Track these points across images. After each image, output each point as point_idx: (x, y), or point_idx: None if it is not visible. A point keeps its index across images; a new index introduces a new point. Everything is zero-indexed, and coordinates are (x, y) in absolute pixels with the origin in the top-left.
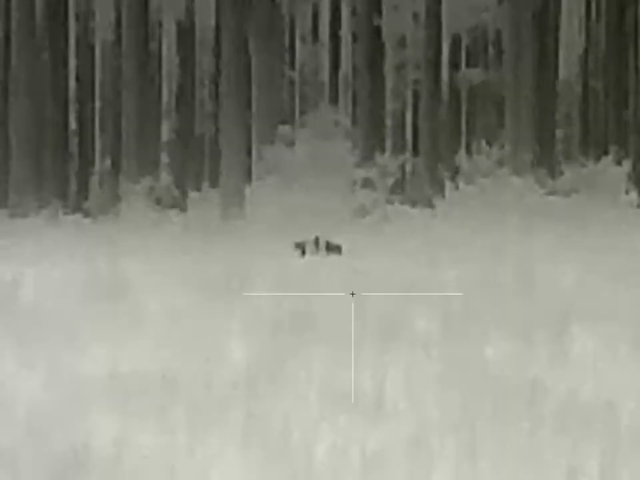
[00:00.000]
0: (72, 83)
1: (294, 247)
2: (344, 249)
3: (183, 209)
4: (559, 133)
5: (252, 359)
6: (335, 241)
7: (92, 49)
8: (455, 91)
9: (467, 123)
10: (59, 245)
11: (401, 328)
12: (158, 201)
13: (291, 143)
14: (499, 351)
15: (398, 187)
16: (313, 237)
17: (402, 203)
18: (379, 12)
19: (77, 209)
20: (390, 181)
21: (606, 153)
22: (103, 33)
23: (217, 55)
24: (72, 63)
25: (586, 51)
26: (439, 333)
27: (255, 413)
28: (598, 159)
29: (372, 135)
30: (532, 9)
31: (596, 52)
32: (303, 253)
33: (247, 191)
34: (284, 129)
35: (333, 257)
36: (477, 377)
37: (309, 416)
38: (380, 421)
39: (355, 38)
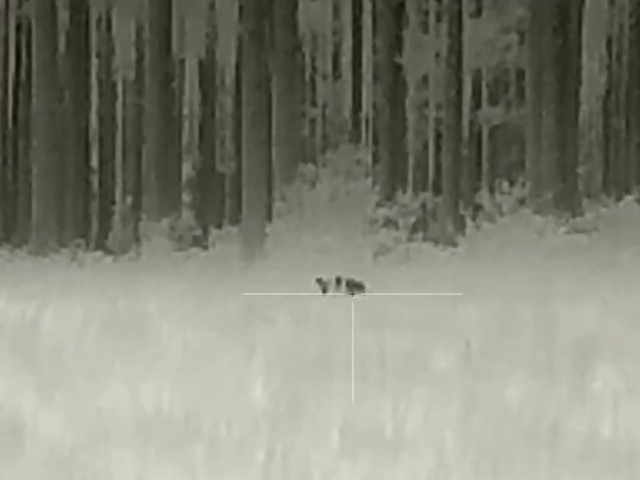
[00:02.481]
0: (93, 122)
1: (315, 283)
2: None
3: (204, 247)
4: (580, 171)
5: (272, 397)
6: (356, 279)
7: (113, 87)
8: (476, 130)
9: (489, 161)
10: (79, 283)
11: (421, 366)
12: (179, 239)
13: (312, 182)
14: (519, 391)
15: (419, 226)
16: (334, 277)
17: (423, 241)
18: (400, 51)
19: (98, 247)
20: (411, 220)
21: (628, 192)
22: (124, 72)
23: (238, 93)
24: (93, 101)
25: (607, 89)
26: (459, 371)
27: (275, 452)
28: (619, 198)
29: (393, 174)
30: (553, 47)
31: (617, 91)
32: (324, 291)
33: (268, 229)
34: (305, 168)
35: (353, 295)
36: (497, 417)
37: (329, 455)
38: (400, 460)
39: (376, 76)
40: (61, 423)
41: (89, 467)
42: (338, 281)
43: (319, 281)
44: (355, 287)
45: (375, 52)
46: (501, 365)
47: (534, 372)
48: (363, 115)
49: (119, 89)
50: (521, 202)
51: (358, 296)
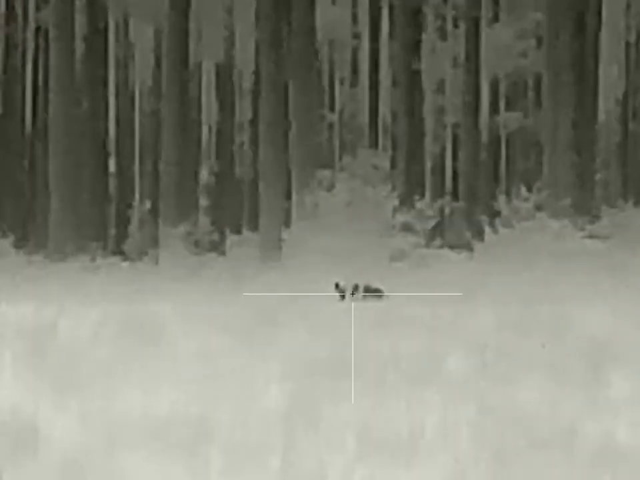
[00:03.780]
0: (111, 127)
1: (334, 287)
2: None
3: (222, 253)
4: (597, 177)
5: (288, 402)
6: (374, 285)
7: (131, 92)
8: (494, 135)
9: (506, 167)
10: (96, 288)
11: (437, 370)
12: (196, 245)
13: (329, 187)
14: (534, 395)
15: (437, 231)
16: (353, 283)
17: (441, 246)
18: (418, 56)
19: (115, 251)
20: (429, 225)
21: None
22: (142, 77)
23: (256, 98)
24: (111, 106)
25: (625, 94)
26: (475, 375)
27: (290, 456)
28: (637, 203)
29: (411, 179)
30: (571, 53)
31: (635, 95)
32: (342, 296)
33: (285, 234)
34: (323, 173)
35: (370, 300)
36: (512, 421)
37: (344, 459)
38: (415, 464)
39: (394, 82)
40: (75, 426)
41: (103, 471)
42: (356, 287)
43: (337, 286)
44: (373, 292)
45: (392, 57)
46: (516, 368)
47: (549, 376)
48: (380, 120)
49: (137, 94)
50: (538, 207)
51: (374, 300)
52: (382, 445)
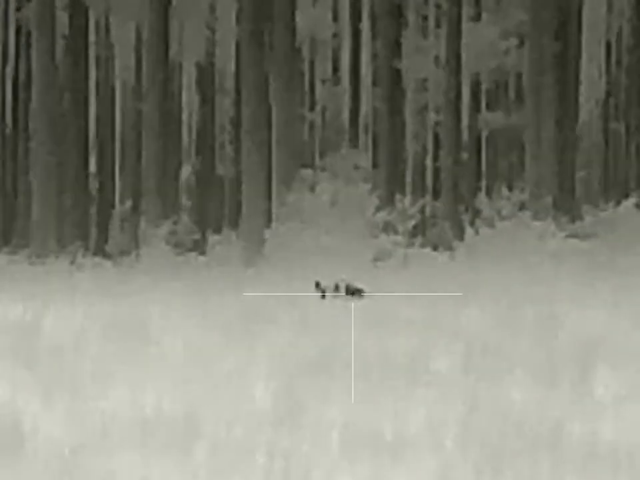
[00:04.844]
0: (92, 125)
1: (314, 286)
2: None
3: (203, 252)
4: (579, 176)
5: (273, 398)
6: (356, 284)
7: (112, 91)
8: (475, 134)
9: (487, 166)
10: (79, 286)
11: (422, 370)
12: (178, 244)
13: (311, 186)
14: (521, 393)
15: (418, 230)
16: (333, 283)
17: (422, 246)
18: (399, 55)
19: (97, 251)
20: (410, 224)
21: (627, 196)
22: (123, 75)
23: (237, 97)
24: (92, 104)
25: (607, 93)
26: (460, 373)
27: (276, 453)
28: (619, 202)
29: (392, 178)
30: (552, 51)
31: (617, 95)
32: (323, 296)
33: (267, 233)
34: (305, 172)
35: (351, 300)
36: (499, 418)
37: (330, 456)
38: (401, 461)
39: (375, 81)
40: (61, 425)
41: (90, 469)
42: (337, 286)
43: (317, 285)
44: (354, 292)
45: (374, 56)
46: (501, 367)
47: (535, 374)
48: (361, 119)
49: (118, 92)
50: (520, 207)
51: (356, 299)
52: (368, 444)
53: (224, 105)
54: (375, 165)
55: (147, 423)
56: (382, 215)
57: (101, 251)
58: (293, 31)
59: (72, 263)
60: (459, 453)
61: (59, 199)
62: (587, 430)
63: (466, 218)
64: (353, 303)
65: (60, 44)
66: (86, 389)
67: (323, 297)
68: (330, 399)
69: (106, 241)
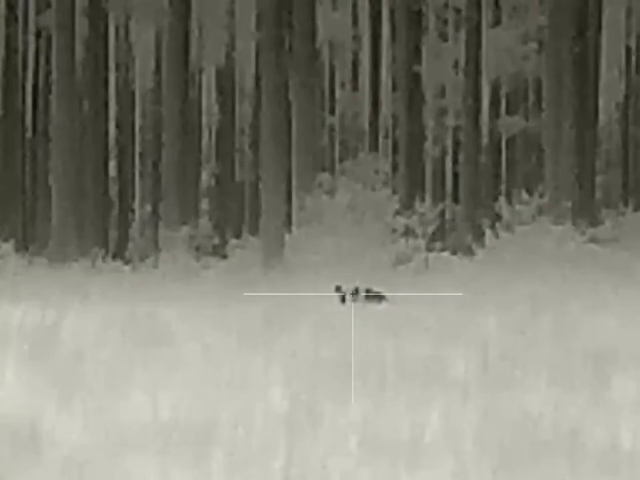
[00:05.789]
0: (112, 130)
1: (335, 290)
2: (385, 295)
3: (223, 256)
4: (598, 180)
5: (291, 404)
6: (376, 288)
7: (132, 95)
8: (494, 139)
9: (507, 170)
10: (98, 290)
11: (440, 373)
12: (197, 248)
13: (330, 191)
14: (538, 399)
15: (438, 235)
16: (353, 287)
17: (442, 250)
18: (419, 59)
19: (117, 255)
20: (430, 229)
21: None
22: (142, 80)
23: (257, 101)
24: (112, 110)
25: (626, 98)
26: (478, 379)
27: (293, 459)
28: (637, 207)
29: (412, 183)
30: (571, 56)
31: (636, 100)
32: (343, 300)
33: (287, 237)
34: (324, 176)
35: (373, 304)
36: (516, 425)
37: (347, 462)
38: (418, 467)
39: (394, 85)
40: (79, 429)
41: (107, 475)
42: (356, 290)
43: (337, 289)
44: (374, 296)
45: (393, 61)
46: (519, 372)
47: (553, 380)
48: (381, 123)
49: (138, 97)
50: (539, 211)
51: (376, 304)
52: (384, 448)
53: (243, 108)
54: (394, 169)
55: (165, 428)
56: (401, 219)
57: (120, 255)
58: (312, 35)
59: (92, 266)
60: (476, 459)
61: (78, 203)
62: (604, 435)
63: (486, 222)
64: (372, 307)
65: (79, 48)
66: (104, 394)
67: (343, 300)
68: (347, 403)
69: (125, 245)
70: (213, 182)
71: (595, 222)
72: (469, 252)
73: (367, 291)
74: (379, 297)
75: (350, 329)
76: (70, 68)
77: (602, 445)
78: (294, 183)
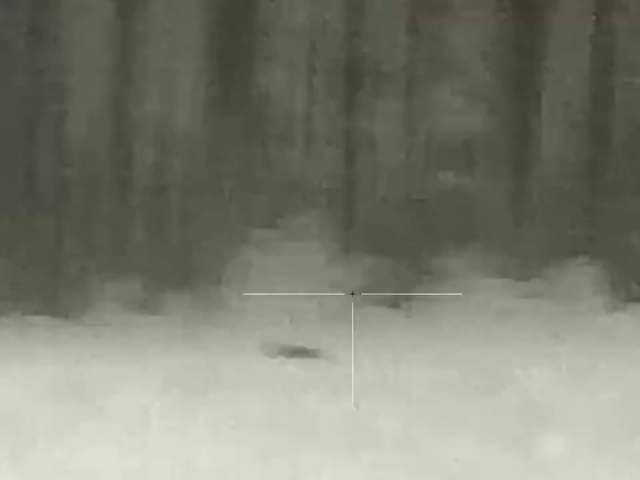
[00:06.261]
0: None
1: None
2: (318, 352)
3: (154, 312)
4: (529, 234)
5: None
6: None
7: None
8: (425, 195)
9: (435, 226)
10: (25, 347)
11: (362, 434)
12: (129, 304)
13: (266, 246)
14: (465, 457)
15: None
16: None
17: (375, 304)
18: (354, 115)
19: (46, 311)
20: (358, 281)
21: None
22: None
23: (192, 158)
24: None
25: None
26: (404, 438)
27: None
28: (563, 261)
29: (345, 238)
30: (511, 113)
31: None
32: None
33: (223, 292)
34: (259, 232)
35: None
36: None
37: None
38: None
39: (329, 140)
40: None
41: None
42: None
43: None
44: (305, 353)
45: (327, 114)
46: (449, 425)
47: (480, 436)
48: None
49: None
50: (469, 266)
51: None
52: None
53: (174, 165)
54: (325, 224)
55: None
56: (331, 272)
57: (49, 311)
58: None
59: (20, 323)
60: None
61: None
62: None
63: (412, 277)
64: (303, 362)
65: None
66: (24, 452)
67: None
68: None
69: (56, 299)
70: (144, 237)
71: (526, 276)
72: (395, 306)
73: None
74: (313, 353)
75: (277, 385)
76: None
77: None
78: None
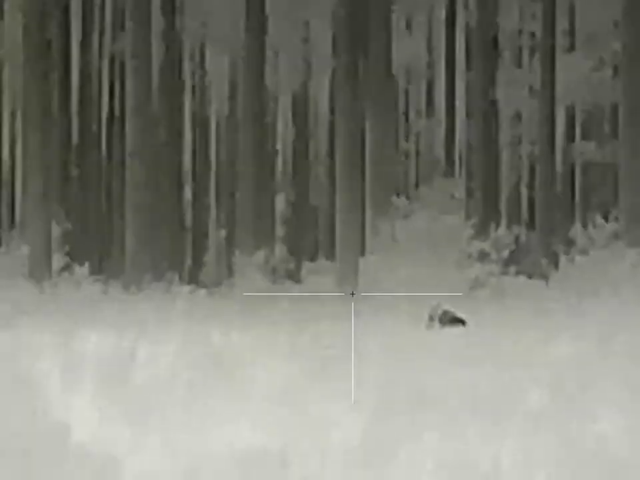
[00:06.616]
0: (187, 156)
1: (428, 318)
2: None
3: (298, 281)
4: None
5: (364, 432)
6: (458, 314)
7: (207, 122)
8: (569, 165)
9: (581, 196)
10: (173, 317)
11: (514, 400)
12: (272, 273)
13: (406, 216)
14: (614, 426)
15: (512, 260)
16: (441, 310)
17: (516, 275)
18: (494, 86)
19: (192, 280)
20: (505, 254)
21: None
22: (218, 106)
23: (332, 128)
24: (187, 136)
25: None
26: (552, 409)
27: None
28: None
29: (487, 208)
30: None
31: None
32: (431, 323)
33: (361, 263)
34: (399, 202)
35: (448, 330)
36: (591, 453)
37: None
38: None
39: (469, 112)
40: (154, 459)
41: None
42: (444, 313)
43: (430, 317)
44: (456, 321)
45: (468, 87)
46: (593, 400)
47: (627, 407)
48: (456, 150)
49: (213, 123)
50: (615, 236)
51: (451, 330)
52: (460, 478)
53: (319, 135)
54: (469, 195)
55: (239, 458)
56: (476, 244)
57: (195, 281)
58: (388, 61)
59: (166, 292)
60: None
61: (154, 229)
62: None
63: (560, 247)
64: (447, 334)
65: (155, 75)
66: (178, 423)
67: (432, 324)
68: (422, 434)
69: (200, 270)
70: (288, 208)
71: None
72: (544, 276)
73: (450, 316)
74: (461, 323)
75: (427, 358)
76: (145, 94)
77: None
78: (368, 208)
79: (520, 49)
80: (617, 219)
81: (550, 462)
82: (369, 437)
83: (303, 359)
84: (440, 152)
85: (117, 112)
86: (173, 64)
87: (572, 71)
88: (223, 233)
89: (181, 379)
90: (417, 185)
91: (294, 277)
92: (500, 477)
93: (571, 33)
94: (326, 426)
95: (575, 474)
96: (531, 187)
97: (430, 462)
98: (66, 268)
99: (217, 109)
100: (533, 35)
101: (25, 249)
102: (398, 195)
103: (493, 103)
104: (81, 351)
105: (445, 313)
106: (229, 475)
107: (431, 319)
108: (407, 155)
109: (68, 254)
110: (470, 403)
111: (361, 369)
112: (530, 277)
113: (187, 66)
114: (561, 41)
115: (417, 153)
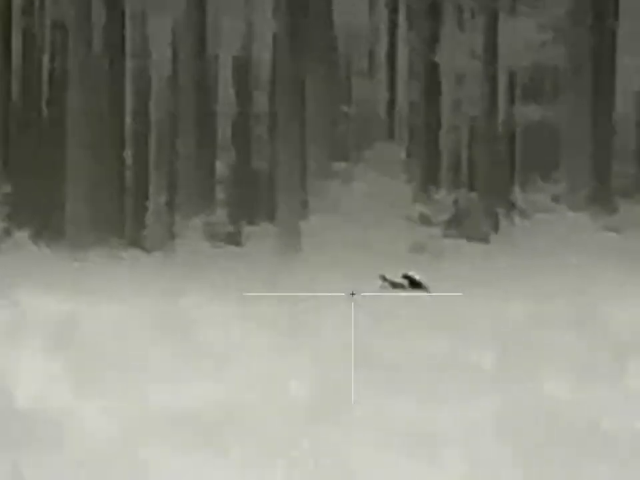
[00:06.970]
0: (127, 119)
1: (381, 280)
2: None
3: (238, 244)
4: (615, 168)
5: (310, 395)
6: (418, 277)
7: (148, 84)
8: (510, 127)
9: (523, 158)
10: (116, 280)
11: (453, 364)
12: (213, 236)
13: (346, 179)
14: (557, 388)
15: (453, 223)
16: (402, 274)
17: (457, 237)
18: (435, 48)
19: (133, 243)
20: (445, 217)
21: None
22: (158, 69)
23: (273, 91)
24: (128, 98)
25: None
26: (496, 370)
27: (312, 448)
28: None
29: (427, 171)
30: (589, 46)
31: None
32: (393, 286)
33: (303, 226)
34: (339, 165)
35: (389, 293)
36: (534, 414)
37: (365, 452)
38: (434, 461)
39: (411, 74)
40: (99, 418)
41: (127, 462)
42: (407, 278)
43: (383, 278)
44: (416, 284)
45: (410, 49)
46: (537, 361)
47: (570, 368)
48: (397, 112)
49: (154, 86)
50: (556, 199)
51: (393, 293)
52: (399, 434)
53: (260, 98)
54: (410, 157)
55: (186, 416)
56: (418, 207)
57: (136, 244)
58: (329, 23)
59: (108, 255)
60: (493, 449)
61: (94, 192)
62: (624, 425)
63: (501, 210)
64: (389, 297)
65: (96, 38)
66: (124, 382)
67: (394, 286)
68: (362, 394)
69: (141, 233)
70: (228, 171)
71: (610, 210)
72: (485, 240)
73: (408, 277)
74: (421, 287)
75: (361, 319)
76: (86, 58)
77: (622, 433)
78: (309, 171)
79: (462, 11)
80: (557, 181)
81: (493, 423)
82: (316, 399)
83: (248, 321)
84: (382, 114)
85: (57, 76)
86: (114, 27)
87: (514, 33)
88: (164, 196)
89: (125, 342)
90: (358, 148)
91: (235, 240)
92: (440, 436)
93: None
94: (273, 387)
95: (519, 435)
96: (471, 149)
97: (373, 423)
98: (6, 232)
99: (157, 72)
100: None
101: None
102: (339, 157)
103: (435, 64)
104: (23, 314)
105: (406, 276)
106: (174, 433)
107: (384, 279)
108: (347, 117)
109: (8, 217)
110: (407, 369)
111: (304, 329)
112: (470, 239)
113: (128, 29)
114: (503, 3)
115: (358, 115)
